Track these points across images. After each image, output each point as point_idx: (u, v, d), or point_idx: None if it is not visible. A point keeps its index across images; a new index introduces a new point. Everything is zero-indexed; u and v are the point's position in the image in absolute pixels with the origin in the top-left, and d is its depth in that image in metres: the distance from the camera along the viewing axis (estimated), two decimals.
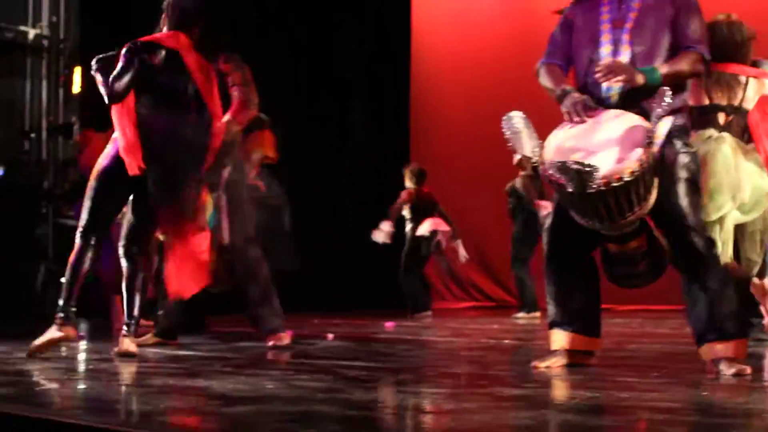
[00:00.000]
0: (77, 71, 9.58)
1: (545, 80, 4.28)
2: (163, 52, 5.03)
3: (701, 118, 4.76)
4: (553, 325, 4.32)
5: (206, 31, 5.22)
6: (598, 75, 3.97)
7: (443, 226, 10.01)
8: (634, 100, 4.00)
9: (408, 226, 10.19)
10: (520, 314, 9.39)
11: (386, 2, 12.67)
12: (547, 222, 4.39)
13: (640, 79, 3.94)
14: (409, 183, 10.12)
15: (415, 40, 12.90)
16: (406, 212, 10.17)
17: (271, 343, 5.44)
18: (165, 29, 5.15)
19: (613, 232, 3.97)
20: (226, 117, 5.33)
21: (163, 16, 5.16)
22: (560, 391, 3.87)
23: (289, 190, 6.86)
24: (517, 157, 8.50)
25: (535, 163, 3.95)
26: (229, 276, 5.62)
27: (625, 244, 4.07)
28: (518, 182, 9.56)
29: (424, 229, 9.97)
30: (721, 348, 3.94)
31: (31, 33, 9.54)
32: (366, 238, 10.09)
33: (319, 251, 10.94)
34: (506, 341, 6.51)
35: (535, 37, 11.86)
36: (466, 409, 3.09)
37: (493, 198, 10.13)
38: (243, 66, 5.53)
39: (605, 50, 4.11)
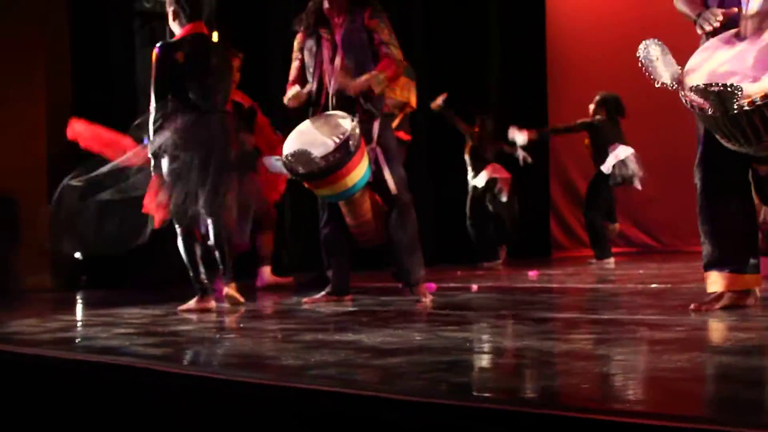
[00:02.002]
0: (214, 35, 9.75)
1: (681, 5, 4.14)
2: None
3: None
4: (709, 266, 4.21)
5: None
6: None
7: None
8: None
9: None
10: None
11: None
12: (697, 157, 4.24)
13: None
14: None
15: None
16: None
17: (416, 296, 5.45)
18: None
19: (761, 152, 3.84)
20: (374, 72, 5.37)
21: None
22: (714, 333, 3.79)
23: (428, 142, 6.86)
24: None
25: (674, 89, 3.82)
26: (382, 231, 5.63)
27: None
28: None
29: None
30: None
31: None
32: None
33: (458, 203, 10.95)
34: (653, 285, 6.41)
35: None
36: (618, 353, 3.05)
37: None
38: (387, 22, 5.52)
39: None
